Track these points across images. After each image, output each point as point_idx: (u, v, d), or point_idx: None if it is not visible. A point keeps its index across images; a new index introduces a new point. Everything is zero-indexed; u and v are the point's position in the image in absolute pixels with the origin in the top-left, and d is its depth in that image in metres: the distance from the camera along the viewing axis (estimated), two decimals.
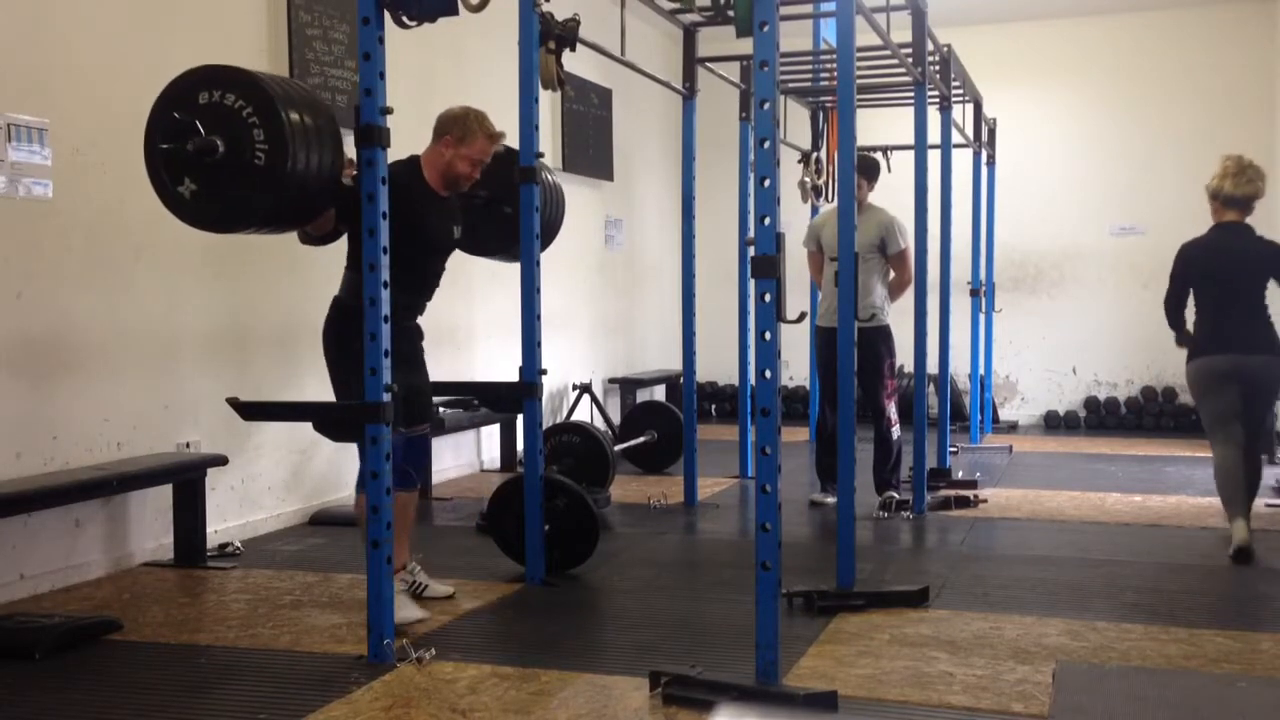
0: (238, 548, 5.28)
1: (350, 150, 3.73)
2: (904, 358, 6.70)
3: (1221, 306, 5.31)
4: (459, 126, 4.14)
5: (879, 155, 8.66)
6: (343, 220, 3.98)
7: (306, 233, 4.12)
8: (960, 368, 9.51)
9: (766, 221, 3.18)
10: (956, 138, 7.70)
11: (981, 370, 9.44)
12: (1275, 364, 5.24)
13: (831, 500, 6.24)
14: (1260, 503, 6.47)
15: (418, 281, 4.15)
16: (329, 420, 4.08)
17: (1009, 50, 10.66)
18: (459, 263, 4.89)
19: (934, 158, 6.49)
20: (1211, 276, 5.34)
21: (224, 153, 3.55)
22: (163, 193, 3.68)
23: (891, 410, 6.33)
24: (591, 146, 9.20)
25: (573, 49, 4.84)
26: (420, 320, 4.40)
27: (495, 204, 4.64)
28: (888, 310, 6.36)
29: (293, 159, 3.55)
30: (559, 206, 4.96)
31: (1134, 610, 4.24)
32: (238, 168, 3.56)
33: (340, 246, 4.16)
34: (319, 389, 4.65)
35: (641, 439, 7.67)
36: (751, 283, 3.24)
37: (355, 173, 3.86)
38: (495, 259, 5.05)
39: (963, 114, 8.56)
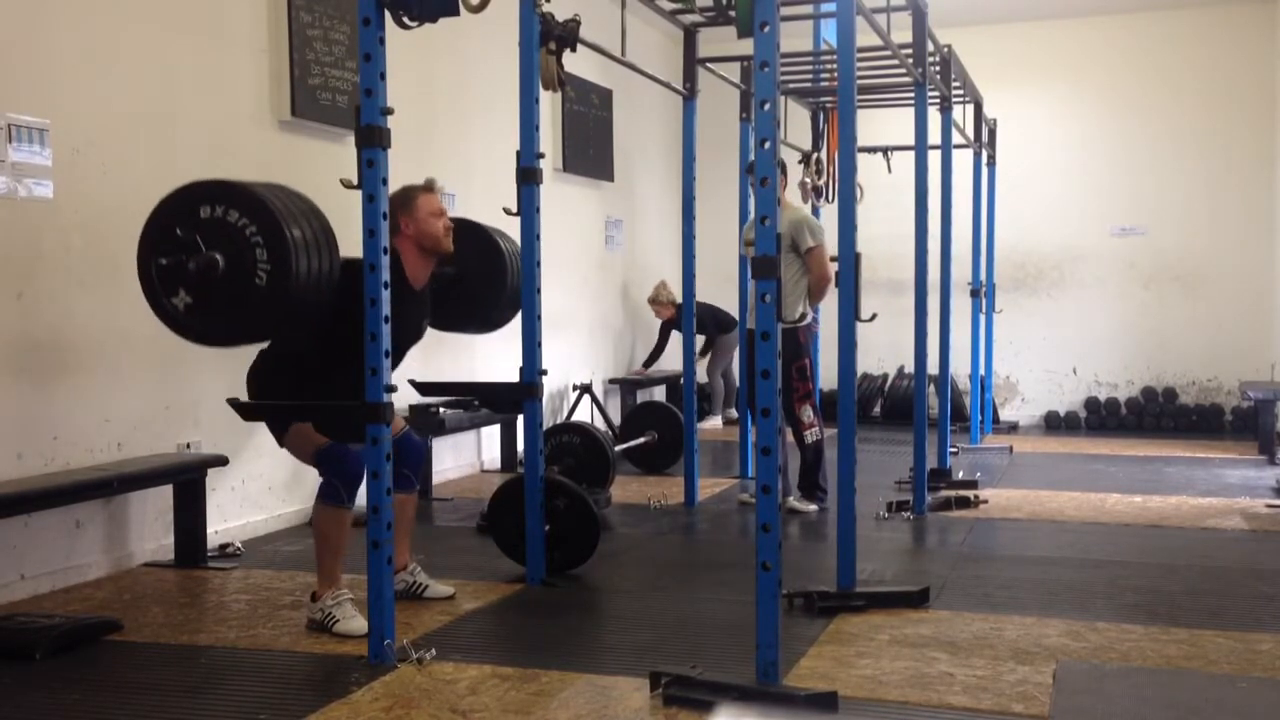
0: (238, 548, 5.29)
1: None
2: (904, 358, 6.70)
3: None
4: (399, 203, 4.07)
5: (880, 155, 8.73)
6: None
7: None
8: (960, 368, 9.49)
9: (766, 222, 3.18)
10: (957, 138, 7.70)
11: (982, 371, 9.43)
12: None
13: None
14: (1260, 503, 6.49)
15: None
16: (329, 420, 4.07)
17: (1009, 50, 10.66)
18: None
19: (934, 158, 6.48)
20: None
21: (224, 270, 3.51)
22: (154, 303, 3.64)
23: (805, 413, 6.19)
24: (592, 147, 9.19)
25: (573, 49, 4.84)
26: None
27: (462, 280, 4.62)
28: (801, 311, 6.13)
29: (295, 278, 3.50)
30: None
31: (1134, 611, 4.24)
32: (238, 285, 3.51)
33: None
34: None
35: (641, 439, 7.66)
36: (751, 283, 3.24)
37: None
38: (466, 333, 5.03)
39: (963, 114, 8.56)
